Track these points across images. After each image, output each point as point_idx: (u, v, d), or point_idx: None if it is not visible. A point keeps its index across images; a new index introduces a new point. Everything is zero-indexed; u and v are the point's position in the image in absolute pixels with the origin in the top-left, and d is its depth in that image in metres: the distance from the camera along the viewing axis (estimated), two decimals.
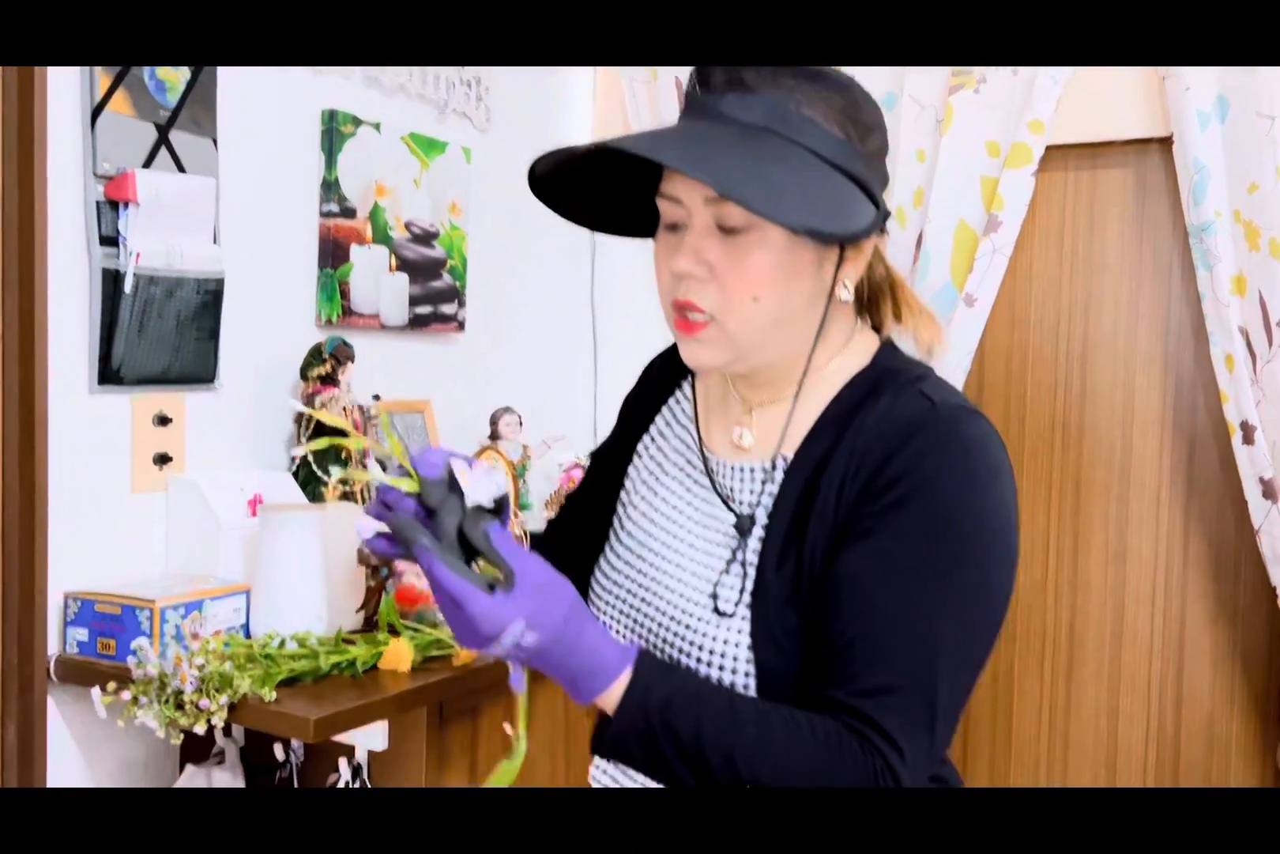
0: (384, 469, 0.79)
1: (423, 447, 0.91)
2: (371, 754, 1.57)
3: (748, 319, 0.85)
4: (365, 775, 1.57)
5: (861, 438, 0.84)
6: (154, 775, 1.70)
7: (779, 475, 0.90)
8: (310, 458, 1.86)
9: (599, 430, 2.68)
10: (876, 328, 0.97)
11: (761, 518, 0.90)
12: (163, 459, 1.75)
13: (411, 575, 1.70)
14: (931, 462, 0.80)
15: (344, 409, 1.87)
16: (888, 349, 0.95)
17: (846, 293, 0.89)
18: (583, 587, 1.05)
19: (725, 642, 0.86)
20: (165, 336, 1.73)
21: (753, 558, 0.88)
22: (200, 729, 1.36)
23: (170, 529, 1.75)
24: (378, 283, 2.10)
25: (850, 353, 0.93)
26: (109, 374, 1.67)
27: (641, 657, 0.81)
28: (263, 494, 1.83)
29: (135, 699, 1.41)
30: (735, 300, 0.84)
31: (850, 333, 0.94)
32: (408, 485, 0.77)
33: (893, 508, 0.80)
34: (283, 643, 1.52)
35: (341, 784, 1.55)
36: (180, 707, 1.39)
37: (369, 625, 1.73)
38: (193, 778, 1.61)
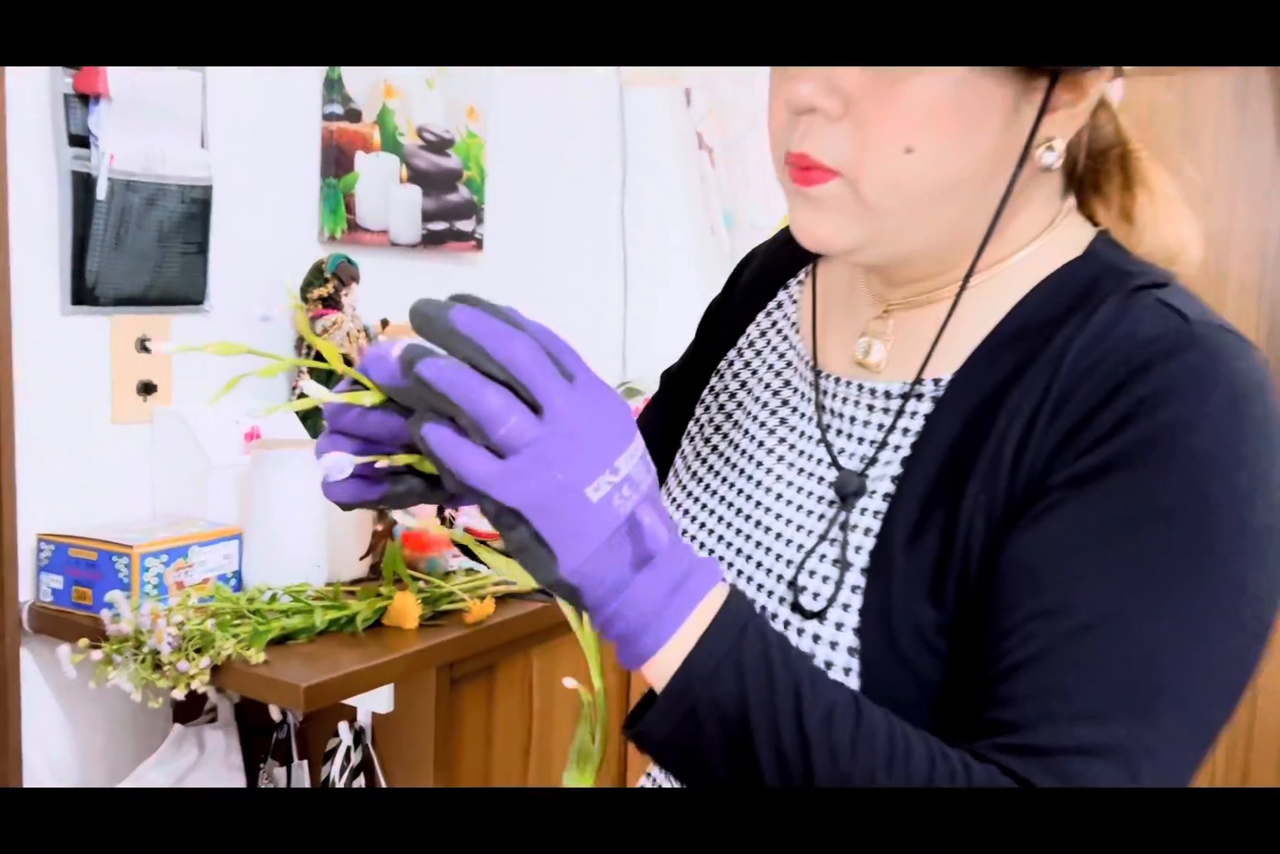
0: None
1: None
2: (376, 717, 1.42)
3: (893, 180, 0.59)
4: (369, 740, 1.42)
5: (1067, 362, 0.58)
6: (142, 735, 1.56)
7: (924, 407, 0.65)
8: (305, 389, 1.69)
9: (628, 359, 2.49)
10: (1091, 217, 0.69)
11: (887, 466, 0.65)
12: (146, 388, 1.58)
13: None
14: (1179, 404, 0.54)
15: (348, 335, 1.69)
16: (1106, 242, 0.66)
17: (1052, 155, 0.62)
18: None
19: (809, 648, 0.62)
20: (146, 251, 1.55)
21: (868, 524, 0.64)
22: (179, 694, 1.21)
23: (155, 466, 1.59)
24: (386, 195, 1.90)
25: (1050, 243, 0.66)
26: (83, 293, 1.50)
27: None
28: (261, 428, 1.67)
29: (109, 659, 1.26)
30: (878, 150, 0.58)
31: (1052, 215, 0.66)
32: (369, 398, 0.55)
33: (1112, 468, 0.55)
34: (274, 597, 1.36)
35: (342, 750, 1.41)
36: (158, 667, 1.24)
37: (376, 573, 1.57)
38: (181, 739, 1.47)
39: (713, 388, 0.82)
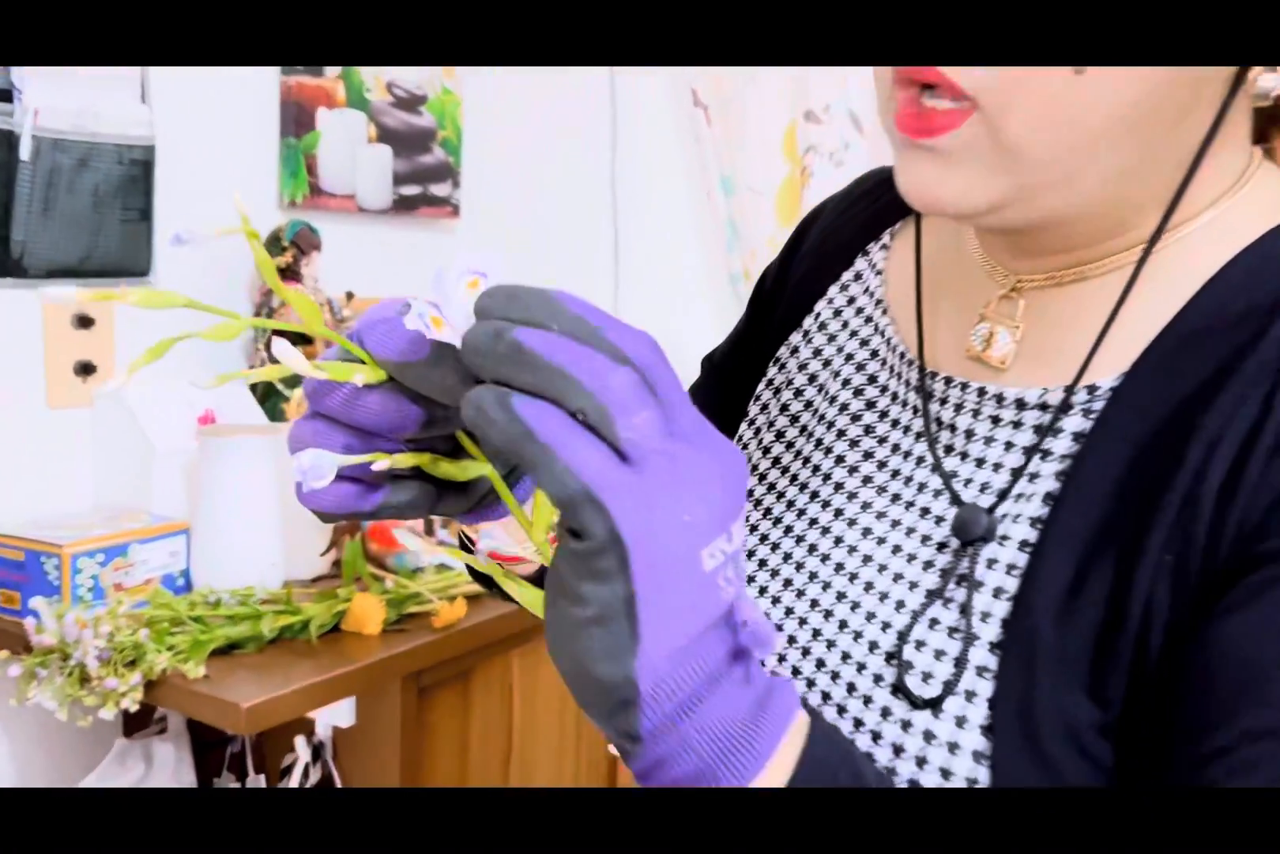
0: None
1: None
2: (336, 731, 1.29)
3: (1053, 112, 0.44)
4: (328, 756, 1.29)
5: None
6: (87, 747, 1.43)
7: (1074, 423, 0.51)
8: (277, 353, 1.54)
9: None
10: None
11: (1024, 502, 0.51)
12: (85, 369, 1.44)
13: None
14: None
15: None
16: None
17: (1275, 79, 0.47)
18: None
19: (919, 750, 0.48)
20: (80, 217, 1.40)
21: (999, 582, 0.49)
22: (108, 714, 1.08)
23: (97, 455, 1.45)
24: (353, 156, 1.76)
25: (1240, 204, 0.50)
26: (8, 263, 1.35)
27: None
28: (216, 411, 1.53)
29: (31, 673, 1.12)
30: (1030, 71, 0.43)
31: (1243, 168, 0.51)
32: (365, 375, 0.41)
33: None
34: (219, 601, 1.23)
35: (300, 767, 1.28)
36: (86, 682, 1.11)
37: (340, 570, 1.44)
38: (125, 753, 1.34)
39: (771, 382, 0.66)
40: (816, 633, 0.55)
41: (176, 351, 1.43)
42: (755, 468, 0.64)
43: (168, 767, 1.35)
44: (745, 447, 0.66)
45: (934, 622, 0.51)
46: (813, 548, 0.58)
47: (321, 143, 1.71)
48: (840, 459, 0.60)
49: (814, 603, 0.56)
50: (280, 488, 1.37)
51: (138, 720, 1.41)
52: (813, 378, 0.64)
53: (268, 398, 1.57)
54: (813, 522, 0.59)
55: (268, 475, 1.36)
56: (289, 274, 1.56)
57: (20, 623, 1.22)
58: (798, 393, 0.64)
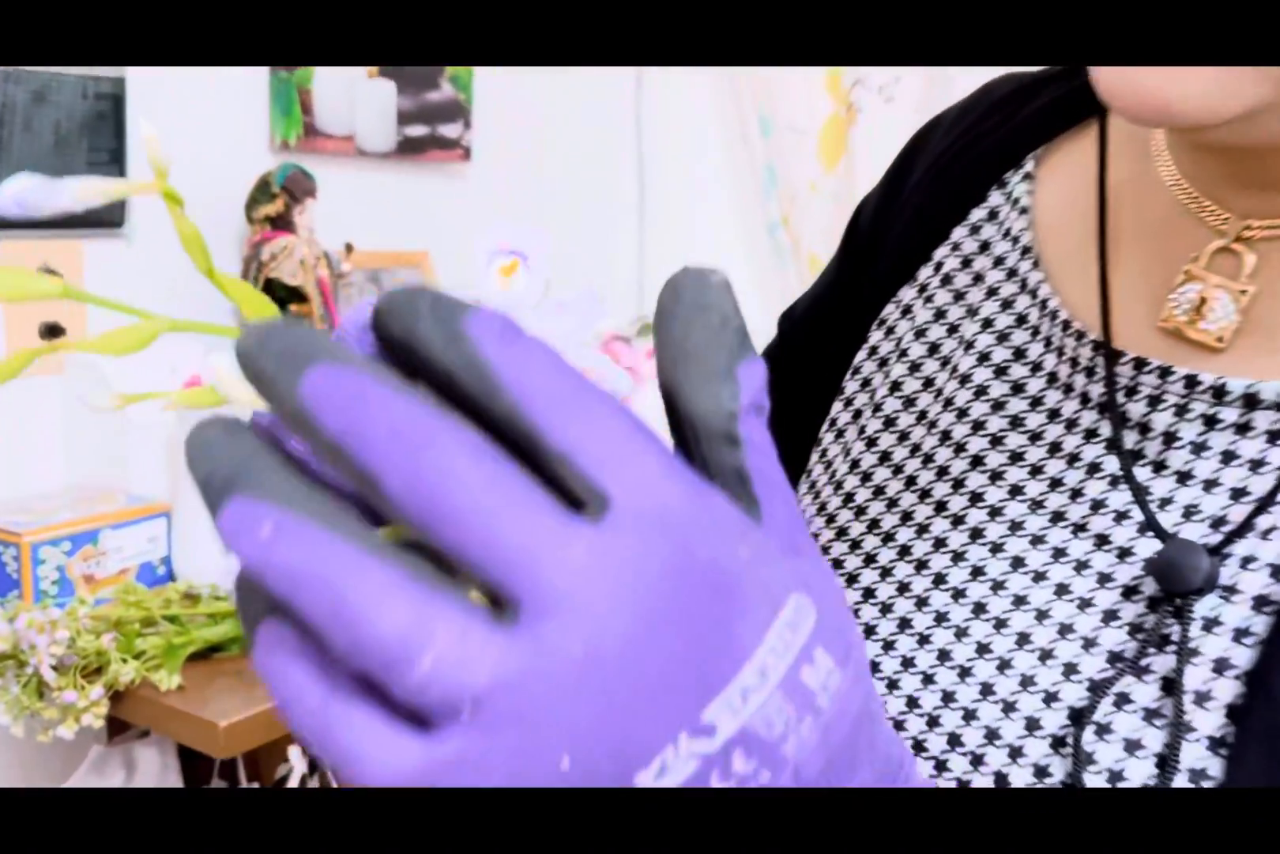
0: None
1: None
2: None
3: None
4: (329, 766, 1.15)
5: None
6: (62, 751, 1.30)
7: None
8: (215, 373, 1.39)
9: (645, 291, 2.18)
10: None
11: (1263, 541, 0.38)
12: (52, 332, 1.29)
13: None
14: None
15: (301, 263, 1.39)
16: None
17: None
18: None
19: None
20: (40, 159, 1.24)
21: (1223, 651, 0.37)
22: (68, 732, 0.94)
23: (68, 428, 1.31)
24: (351, 93, 1.60)
25: None
26: None
27: None
28: (203, 378, 1.37)
29: None
30: None
31: None
32: None
33: None
34: (198, 597, 1.08)
35: (295, 777, 1.14)
36: (45, 694, 0.97)
37: None
38: (104, 760, 1.20)
39: (875, 350, 0.51)
40: (949, 697, 0.41)
41: (157, 306, 1.22)
42: (856, 464, 0.49)
43: (151, 775, 1.21)
44: (841, 434, 0.51)
45: (1123, 699, 0.37)
46: (940, 579, 0.44)
47: (317, 77, 1.55)
48: (977, 461, 0.45)
49: (944, 654, 0.42)
50: None
51: (118, 723, 1.28)
52: (934, 348, 0.49)
53: None
54: (938, 543, 0.45)
55: None
56: (280, 224, 1.40)
57: None
58: (913, 367, 0.49)
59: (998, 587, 0.42)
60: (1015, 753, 0.39)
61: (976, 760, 0.41)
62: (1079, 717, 0.38)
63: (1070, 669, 0.39)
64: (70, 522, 1.13)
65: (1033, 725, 0.39)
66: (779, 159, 1.82)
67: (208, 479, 0.21)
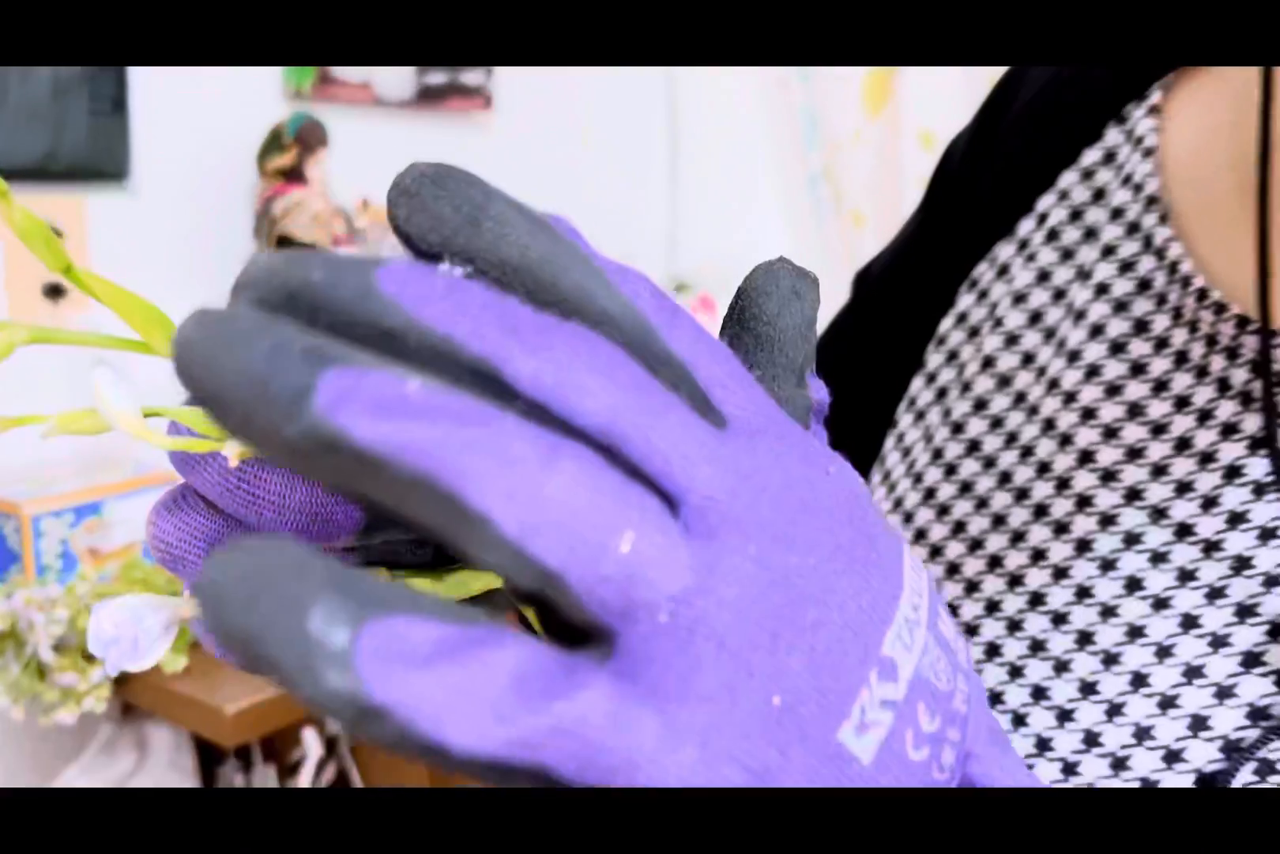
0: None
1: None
2: None
3: None
4: (344, 751, 1.10)
5: None
6: (71, 731, 1.25)
7: None
8: (100, 395, 1.32)
9: (678, 246, 2.09)
10: None
11: None
12: (55, 291, 1.23)
13: None
14: None
15: (315, 218, 1.31)
16: None
17: None
18: None
19: None
20: (38, 110, 1.17)
21: None
22: (69, 717, 0.89)
23: (75, 391, 1.24)
24: None
25: None
26: None
27: None
28: None
29: None
30: None
31: None
32: (237, 447, 0.21)
33: None
34: None
35: (311, 762, 1.09)
36: (46, 675, 0.91)
37: None
38: (114, 740, 1.16)
39: (964, 317, 0.43)
40: (1044, 744, 0.35)
41: (165, 272, 1.14)
42: (939, 453, 0.42)
43: (163, 756, 1.16)
44: (922, 417, 0.43)
45: (1268, 768, 0.30)
46: (1037, 599, 0.36)
47: None
48: (1086, 457, 0.37)
49: (1038, 692, 0.35)
50: None
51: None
52: (1036, 317, 0.41)
53: None
54: (1035, 554, 0.37)
55: None
56: (293, 176, 1.33)
57: None
58: (1010, 340, 0.41)
59: (1108, 613, 0.35)
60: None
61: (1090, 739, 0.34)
62: (1210, 780, 0.31)
63: (1199, 723, 0.32)
64: (73, 492, 1.07)
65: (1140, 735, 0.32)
66: (820, 105, 1.72)
67: (274, 354, 0.15)
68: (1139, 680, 0.33)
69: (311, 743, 1.08)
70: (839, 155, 1.65)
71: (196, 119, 1.33)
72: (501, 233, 0.18)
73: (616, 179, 1.97)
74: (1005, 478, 0.39)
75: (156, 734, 1.19)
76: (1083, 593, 0.36)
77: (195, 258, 1.35)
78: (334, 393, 0.15)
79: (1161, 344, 0.37)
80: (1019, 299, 0.42)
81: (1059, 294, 0.41)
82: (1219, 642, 0.33)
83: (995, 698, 0.36)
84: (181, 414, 0.22)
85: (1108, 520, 0.36)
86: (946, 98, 1.52)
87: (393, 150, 1.57)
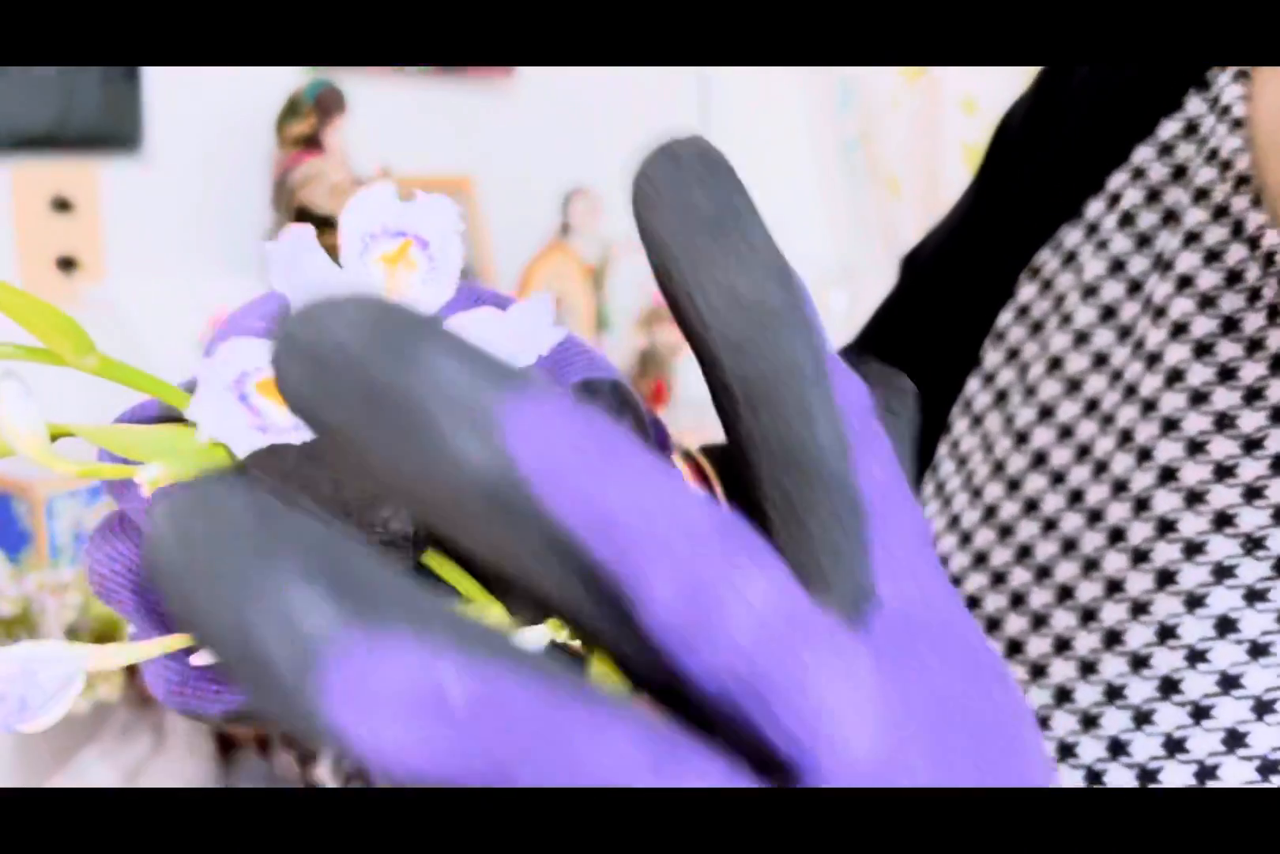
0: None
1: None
2: None
3: None
4: None
5: None
6: (94, 716, 1.23)
7: None
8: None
9: None
10: None
11: None
12: (67, 264, 1.19)
13: None
14: None
15: (333, 188, 1.27)
16: None
17: None
18: None
19: None
20: (47, 75, 1.14)
21: None
22: (81, 705, 0.86)
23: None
24: None
25: None
26: None
27: None
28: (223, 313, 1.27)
29: None
30: None
31: None
32: (165, 469, 0.19)
33: None
34: None
35: (331, 751, 1.06)
36: None
37: None
38: (131, 725, 1.14)
39: (1025, 310, 0.39)
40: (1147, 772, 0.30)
41: (181, 243, 1.09)
42: (1001, 466, 0.37)
43: (182, 738, 1.14)
44: (979, 422, 0.39)
45: None
46: (1113, 637, 0.32)
47: None
48: (1167, 474, 0.33)
49: (1117, 746, 0.31)
50: None
51: None
52: (1109, 313, 0.36)
53: None
54: (1110, 586, 0.33)
55: None
56: (311, 144, 1.28)
57: None
58: (1080, 338, 0.37)
59: (1196, 658, 0.31)
60: None
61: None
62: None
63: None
64: None
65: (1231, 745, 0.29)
66: (855, 69, 1.67)
67: (270, 619, 0.12)
68: (1234, 740, 0.30)
69: None
70: (874, 121, 1.59)
71: (211, 85, 1.28)
72: (745, 230, 0.16)
73: (645, 146, 1.92)
74: (1076, 497, 0.35)
75: (173, 718, 1.17)
76: (1166, 634, 0.32)
77: (211, 227, 1.31)
78: (342, 694, 0.12)
79: (1254, 346, 0.32)
80: (1089, 292, 0.37)
81: (1135, 286, 0.36)
82: None
83: (1066, 751, 0.32)
84: (94, 434, 0.20)
85: (1194, 549, 0.32)
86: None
87: (413, 118, 1.53)
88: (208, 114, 1.29)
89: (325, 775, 1.07)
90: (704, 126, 1.98)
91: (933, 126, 1.55)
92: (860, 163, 1.64)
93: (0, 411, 0.19)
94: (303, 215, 1.28)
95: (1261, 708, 0.30)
